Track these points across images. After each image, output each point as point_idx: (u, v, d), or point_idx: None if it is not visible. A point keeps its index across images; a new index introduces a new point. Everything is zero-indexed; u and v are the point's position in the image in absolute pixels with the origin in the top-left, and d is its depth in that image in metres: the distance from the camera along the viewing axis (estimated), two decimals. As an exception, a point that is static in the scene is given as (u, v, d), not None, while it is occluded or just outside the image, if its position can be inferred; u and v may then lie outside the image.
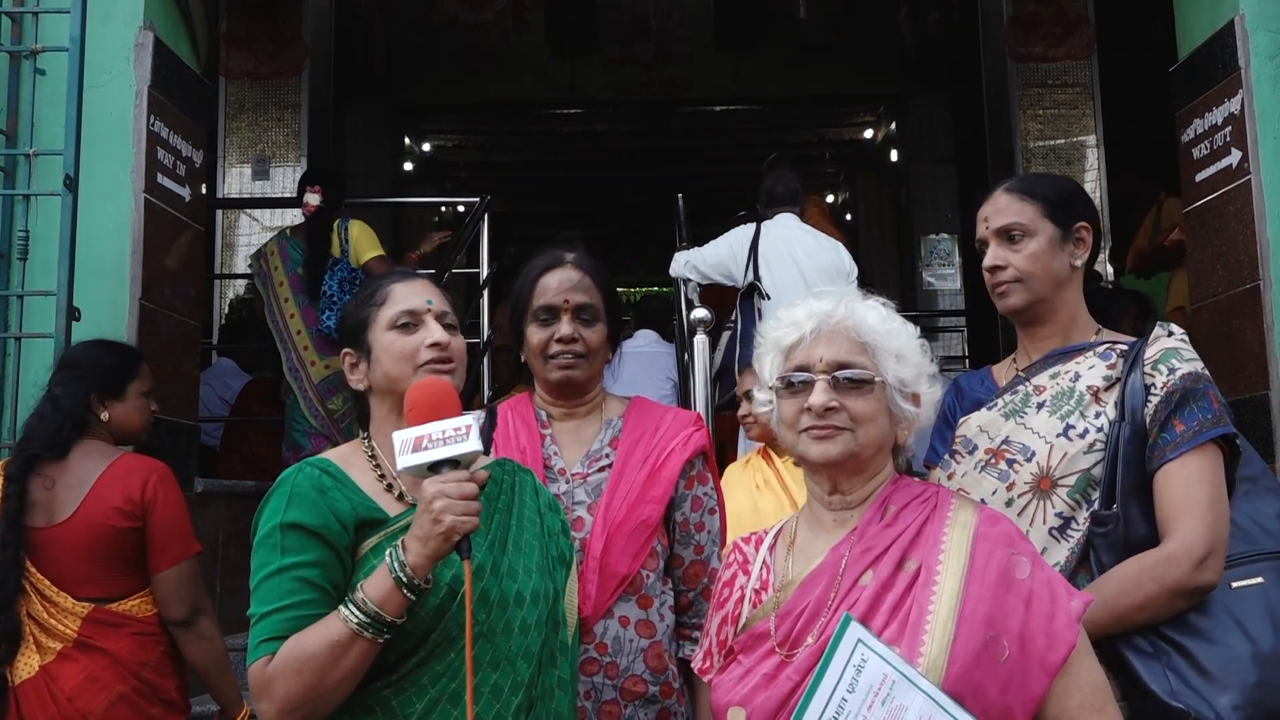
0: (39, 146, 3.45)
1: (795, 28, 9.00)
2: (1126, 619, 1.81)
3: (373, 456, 1.82)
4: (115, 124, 3.57)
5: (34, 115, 3.53)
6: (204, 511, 3.63)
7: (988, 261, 2.07)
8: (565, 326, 2.16)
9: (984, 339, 7.44)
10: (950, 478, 2.04)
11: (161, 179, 3.70)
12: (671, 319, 5.99)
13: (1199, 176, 3.76)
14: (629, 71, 9.56)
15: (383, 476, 1.79)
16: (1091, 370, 1.99)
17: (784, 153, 6.78)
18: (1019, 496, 1.94)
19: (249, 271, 5.38)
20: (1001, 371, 2.17)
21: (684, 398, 4.91)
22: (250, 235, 7.13)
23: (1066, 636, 1.50)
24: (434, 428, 1.59)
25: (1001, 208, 2.07)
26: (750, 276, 4.77)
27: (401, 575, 1.56)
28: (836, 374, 1.62)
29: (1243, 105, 3.50)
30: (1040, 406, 1.99)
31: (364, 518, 1.72)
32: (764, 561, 1.72)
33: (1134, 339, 2.04)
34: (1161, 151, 4.38)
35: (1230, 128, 3.58)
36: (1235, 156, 3.55)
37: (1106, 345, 2.02)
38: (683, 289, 5.11)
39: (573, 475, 2.16)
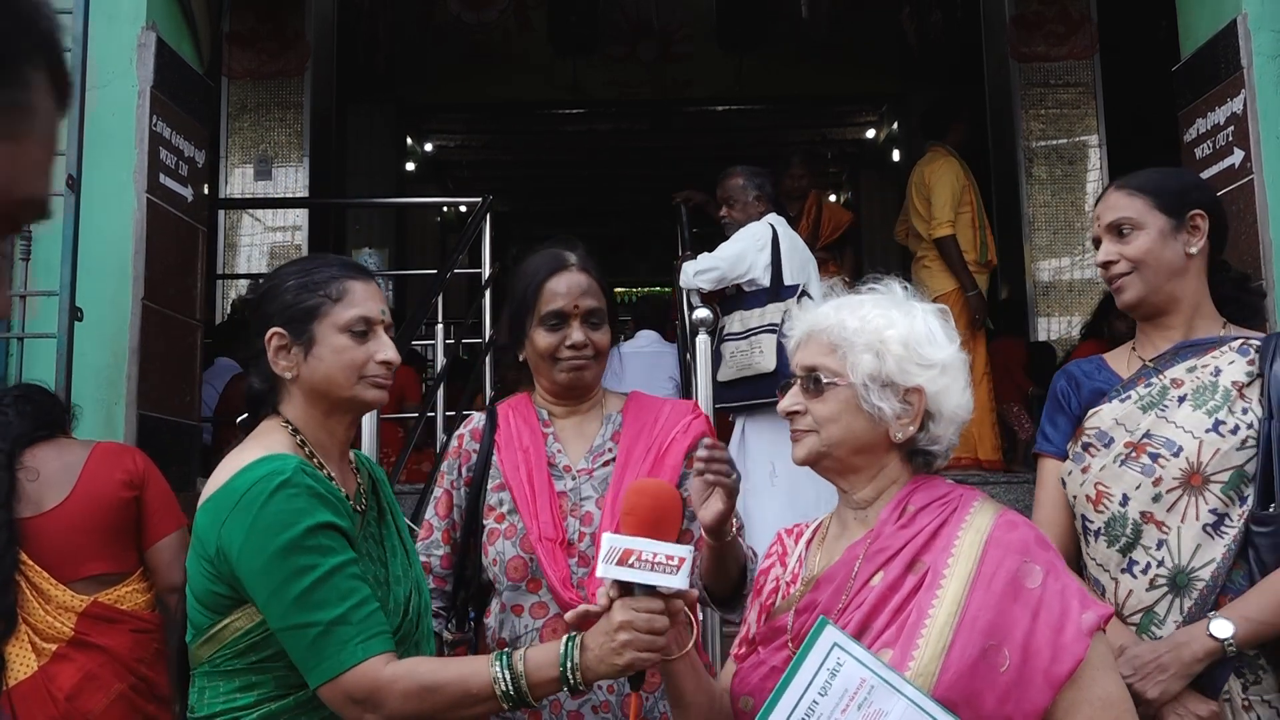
0: (42, 147, 3.46)
1: (798, 27, 9.00)
2: None
3: (312, 455, 1.74)
4: (118, 124, 3.57)
5: (37, 115, 3.53)
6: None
7: (1100, 257, 2.11)
8: (577, 333, 2.17)
9: (992, 337, 7.42)
10: (1085, 471, 2.06)
11: (164, 179, 3.70)
12: (671, 320, 5.98)
13: (1201, 176, 3.76)
14: (631, 71, 9.56)
15: (331, 478, 1.74)
16: (1232, 365, 1.99)
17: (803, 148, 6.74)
18: (1167, 492, 1.95)
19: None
20: (1120, 361, 2.17)
21: (686, 398, 4.90)
22: (253, 235, 7.14)
23: (1074, 649, 1.46)
24: (648, 547, 1.50)
25: (1111, 204, 2.10)
26: (769, 277, 4.71)
27: (570, 676, 1.54)
28: (804, 379, 1.66)
29: (1245, 105, 3.50)
30: (1181, 400, 1.99)
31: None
32: (799, 555, 1.73)
33: (1262, 334, 2.05)
34: (1163, 151, 4.38)
35: (1233, 127, 3.58)
36: (1238, 156, 3.55)
37: (1241, 340, 2.02)
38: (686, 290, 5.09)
39: (579, 471, 2.17)
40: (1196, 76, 3.79)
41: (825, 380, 1.63)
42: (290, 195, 7.13)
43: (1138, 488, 1.97)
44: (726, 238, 4.97)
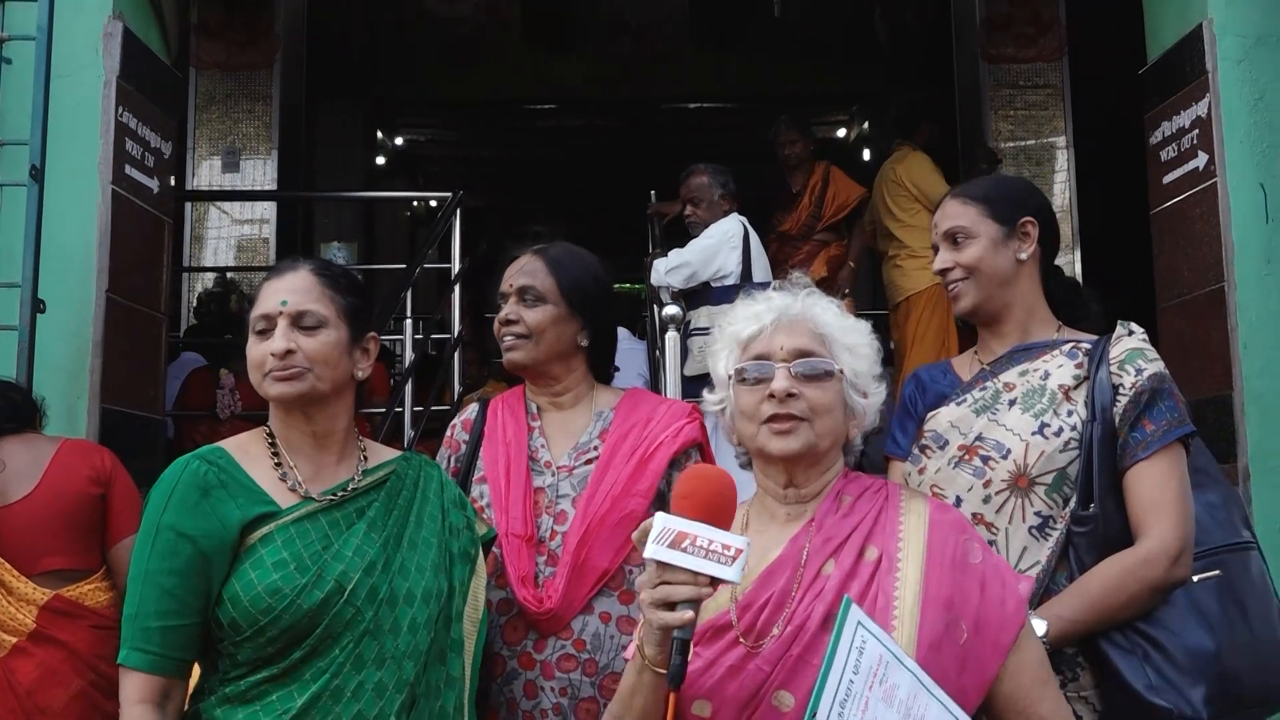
0: (5, 136, 3.41)
1: (771, 26, 9.01)
2: (1111, 617, 1.87)
3: (272, 446, 1.81)
4: (83, 114, 3.53)
5: (0, 105, 3.48)
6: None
7: (936, 265, 2.16)
8: (505, 308, 2.18)
9: (967, 335, 7.46)
10: (921, 472, 2.08)
11: (129, 170, 3.66)
12: (641, 316, 5.98)
13: (1166, 179, 3.80)
14: (606, 68, 9.53)
15: (279, 465, 1.78)
16: (1061, 369, 2.03)
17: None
18: (996, 494, 1.98)
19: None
20: (963, 365, 2.21)
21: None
22: (220, 228, 7.07)
23: (1017, 618, 1.55)
24: (704, 533, 1.41)
25: (948, 213, 2.15)
26: (739, 274, 4.75)
27: None
28: (797, 362, 1.63)
29: (1210, 108, 3.54)
30: (1012, 404, 2.03)
31: (251, 516, 1.71)
32: None
33: (1095, 336, 2.09)
34: (1130, 154, 4.42)
35: (1198, 130, 3.62)
36: (1202, 159, 3.59)
37: (1071, 344, 2.07)
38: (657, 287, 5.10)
39: (559, 468, 2.14)
40: (1163, 80, 3.83)
41: (825, 368, 1.63)
42: (258, 188, 7.06)
43: (969, 490, 2.00)
44: (693, 236, 4.99)
